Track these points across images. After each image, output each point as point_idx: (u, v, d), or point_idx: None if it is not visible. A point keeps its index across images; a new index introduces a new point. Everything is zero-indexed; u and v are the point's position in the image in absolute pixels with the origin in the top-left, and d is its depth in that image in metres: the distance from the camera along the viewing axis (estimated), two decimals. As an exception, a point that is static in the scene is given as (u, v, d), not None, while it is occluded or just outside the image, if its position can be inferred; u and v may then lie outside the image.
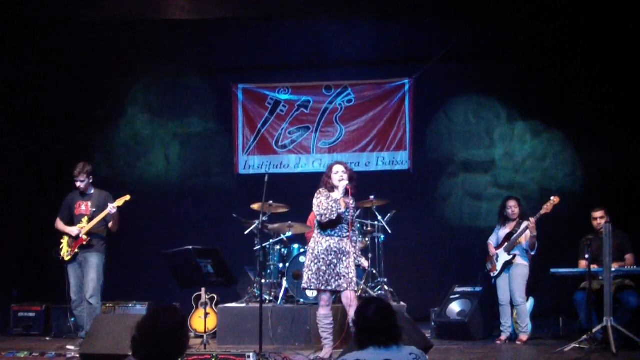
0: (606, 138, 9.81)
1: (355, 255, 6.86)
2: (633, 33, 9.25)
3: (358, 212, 7.03)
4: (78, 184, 7.92)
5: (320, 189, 6.84)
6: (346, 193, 6.76)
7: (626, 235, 7.96)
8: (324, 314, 6.74)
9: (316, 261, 6.68)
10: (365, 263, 7.12)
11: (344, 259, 6.67)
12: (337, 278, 6.61)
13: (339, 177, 6.75)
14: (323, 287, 6.64)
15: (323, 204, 6.66)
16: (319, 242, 6.74)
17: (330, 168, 6.91)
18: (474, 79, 10.53)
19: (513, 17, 9.56)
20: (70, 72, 10.56)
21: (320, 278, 6.63)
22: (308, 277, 6.72)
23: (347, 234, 6.77)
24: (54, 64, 10.32)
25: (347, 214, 6.75)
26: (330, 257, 6.64)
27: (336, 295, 7.10)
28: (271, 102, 10.94)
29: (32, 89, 10.73)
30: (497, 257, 8.33)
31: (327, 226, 6.74)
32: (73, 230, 7.78)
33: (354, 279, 6.70)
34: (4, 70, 10.07)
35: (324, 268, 6.63)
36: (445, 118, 10.67)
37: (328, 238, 6.72)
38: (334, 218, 6.64)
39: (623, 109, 9.67)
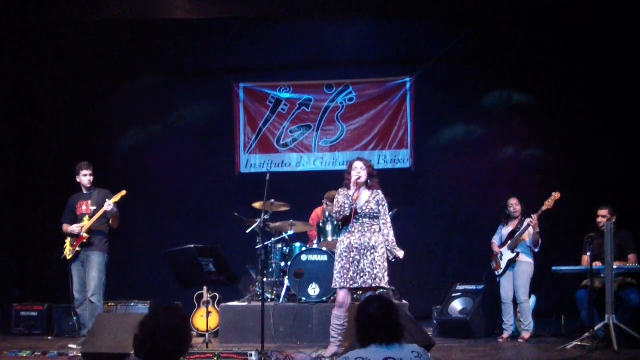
0: (610, 136, 9.79)
1: (389, 247, 6.67)
2: (634, 31, 9.24)
3: (382, 205, 6.78)
4: (88, 178, 7.92)
5: (340, 189, 6.76)
6: (367, 187, 6.69)
7: (630, 234, 7.93)
8: (337, 315, 6.65)
9: (339, 260, 6.61)
10: (400, 253, 6.79)
11: (368, 254, 6.51)
12: (362, 274, 6.49)
13: (357, 174, 6.65)
14: (349, 285, 6.51)
15: (339, 202, 6.62)
16: (341, 241, 6.67)
17: (350, 165, 6.81)
18: (475, 78, 10.56)
19: (513, 16, 9.56)
20: (70, 72, 10.58)
21: (345, 276, 6.52)
22: (334, 277, 6.64)
23: (372, 227, 6.63)
24: (54, 64, 10.33)
25: (364, 209, 6.62)
26: (352, 254, 6.51)
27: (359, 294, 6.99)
28: (272, 101, 10.95)
29: (32, 89, 10.75)
30: (501, 255, 8.33)
31: (345, 223, 6.68)
32: (74, 229, 7.78)
33: (380, 275, 6.50)
34: (4, 70, 10.08)
35: (347, 266, 6.52)
36: (446, 116, 10.69)
37: (349, 235, 6.60)
38: (348, 214, 6.57)
39: (624, 106, 9.68)
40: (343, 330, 6.70)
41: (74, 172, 7.99)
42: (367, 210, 6.63)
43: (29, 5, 9.23)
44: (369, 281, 6.49)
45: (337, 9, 9.72)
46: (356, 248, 6.54)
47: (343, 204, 6.56)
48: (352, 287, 6.56)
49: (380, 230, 6.68)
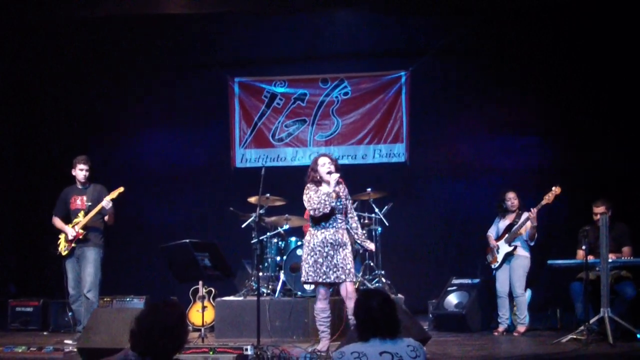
0: (610, 136, 9.77)
1: (359, 240, 6.82)
2: (634, 31, 9.23)
3: (355, 204, 6.92)
4: (84, 173, 7.88)
5: (308, 185, 6.81)
6: (337, 183, 6.75)
7: (626, 227, 7.93)
8: (321, 308, 6.74)
9: (312, 254, 6.66)
10: (370, 246, 7.03)
11: (341, 250, 6.62)
12: (335, 270, 6.58)
13: (327, 169, 6.72)
14: (321, 280, 6.61)
15: (314, 198, 6.64)
16: (314, 235, 6.72)
17: (315, 161, 6.86)
18: (470, 72, 10.56)
19: (513, 13, 9.53)
20: (70, 72, 10.57)
21: (318, 270, 6.61)
22: (306, 271, 6.70)
23: (342, 224, 6.75)
24: (54, 64, 10.34)
25: (339, 204, 6.72)
26: (326, 249, 6.61)
27: (334, 288, 7.08)
28: (267, 95, 10.95)
29: (32, 89, 10.76)
30: (498, 248, 8.33)
31: (321, 219, 6.72)
32: (68, 233, 7.74)
33: (352, 270, 6.66)
34: (4, 70, 10.06)
35: (320, 260, 6.61)
36: (442, 110, 10.69)
37: (323, 230, 6.68)
38: (328, 211, 6.62)
39: (624, 106, 9.69)
40: (330, 321, 6.82)
41: (77, 162, 7.93)
42: (341, 206, 6.76)
43: (28, 3, 9.18)
44: (342, 276, 6.60)
45: (332, 2, 9.71)
46: (330, 243, 6.64)
47: (324, 201, 6.59)
48: (325, 281, 6.65)
49: (347, 225, 6.81)
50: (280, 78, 10.95)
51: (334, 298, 7.26)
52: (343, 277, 6.59)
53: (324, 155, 6.94)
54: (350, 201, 6.95)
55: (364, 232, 8.84)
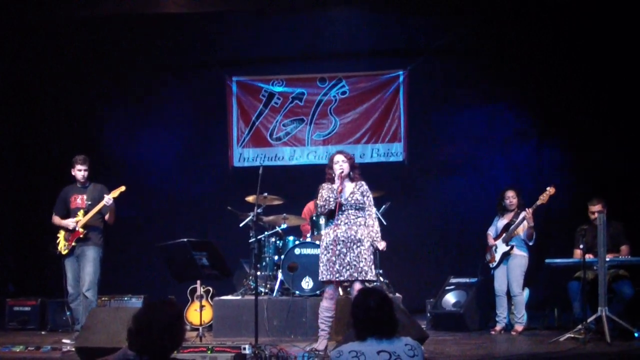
0: (610, 136, 9.75)
1: (372, 239, 6.69)
2: (634, 31, 9.24)
3: (367, 196, 6.78)
4: (82, 173, 7.88)
5: (323, 183, 6.81)
6: (350, 179, 6.72)
7: (621, 225, 7.95)
8: (326, 307, 6.68)
9: (325, 252, 6.62)
10: (380, 245, 6.84)
11: (354, 247, 6.53)
12: (347, 268, 6.51)
13: (339, 167, 6.69)
14: (335, 278, 6.55)
15: (323, 196, 6.66)
16: (327, 233, 6.69)
17: (330, 159, 6.84)
18: (469, 72, 10.55)
19: (511, 12, 9.54)
20: (67, 69, 10.57)
21: (331, 269, 6.54)
22: (321, 269, 6.66)
23: (358, 220, 6.65)
24: (54, 64, 10.35)
25: (349, 200, 6.64)
26: (339, 247, 6.53)
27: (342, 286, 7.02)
28: (265, 95, 10.95)
29: (32, 88, 10.77)
30: (496, 248, 8.34)
31: (330, 215, 6.71)
32: (69, 224, 7.75)
33: (365, 268, 6.52)
34: (3, 70, 10.06)
35: (333, 258, 6.53)
36: (439, 110, 10.70)
37: (335, 228, 6.62)
38: (333, 207, 6.60)
39: (624, 106, 9.68)
40: (332, 321, 6.77)
41: (76, 162, 7.94)
42: (353, 201, 6.65)
43: (28, 3, 9.18)
44: (355, 274, 6.52)
45: (332, 2, 9.72)
46: (342, 241, 6.56)
47: (327, 198, 6.61)
48: (337, 279, 6.59)
49: (365, 223, 6.70)
50: (278, 77, 10.95)
51: (339, 297, 7.23)
52: (355, 275, 6.50)
53: (339, 152, 6.89)
54: (369, 198, 6.80)
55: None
